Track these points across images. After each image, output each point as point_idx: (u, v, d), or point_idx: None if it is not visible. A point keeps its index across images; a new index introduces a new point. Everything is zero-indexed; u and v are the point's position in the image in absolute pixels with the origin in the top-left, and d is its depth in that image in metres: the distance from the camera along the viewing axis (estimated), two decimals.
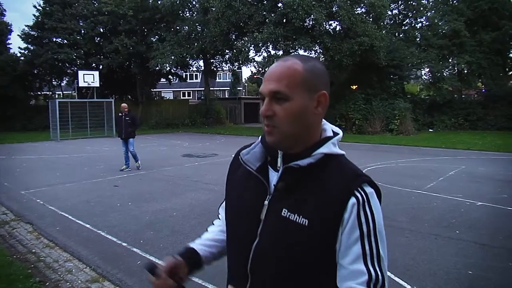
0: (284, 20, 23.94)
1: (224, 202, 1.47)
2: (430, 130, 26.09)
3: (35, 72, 30.15)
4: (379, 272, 1.07)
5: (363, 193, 1.10)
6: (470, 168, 11.29)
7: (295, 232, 1.11)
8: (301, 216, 1.11)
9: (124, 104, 11.40)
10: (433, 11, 28.64)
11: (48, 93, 34.65)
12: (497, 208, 6.99)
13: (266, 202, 1.19)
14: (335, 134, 1.23)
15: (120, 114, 11.31)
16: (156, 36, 30.71)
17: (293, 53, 24.64)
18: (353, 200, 1.09)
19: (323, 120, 1.24)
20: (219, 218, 1.54)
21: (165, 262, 1.29)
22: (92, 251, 4.98)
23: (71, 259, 4.76)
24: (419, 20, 29.63)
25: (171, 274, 1.27)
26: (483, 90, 29.73)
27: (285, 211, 1.14)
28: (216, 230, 1.49)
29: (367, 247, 1.08)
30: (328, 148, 1.17)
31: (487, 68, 26.96)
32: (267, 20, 24.17)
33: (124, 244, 5.25)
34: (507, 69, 30.81)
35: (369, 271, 1.06)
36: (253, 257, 1.18)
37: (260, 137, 1.31)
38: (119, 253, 4.97)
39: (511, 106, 25.47)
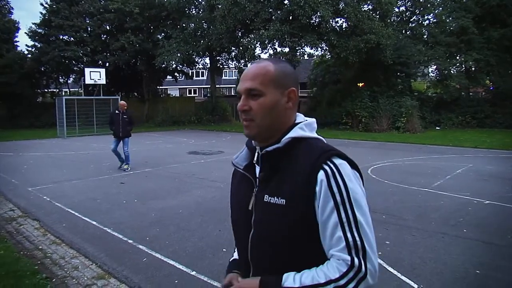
0: (291, 17, 23.84)
1: None
2: (437, 128, 25.89)
3: (42, 69, 30.26)
4: (357, 237, 1.14)
5: (331, 165, 1.20)
6: (478, 167, 11.19)
7: (276, 213, 1.23)
8: (279, 197, 1.23)
9: (122, 102, 11.25)
10: (440, 8, 28.36)
11: (55, 90, 34.79)
12: (505, 207, 6.92)
13: (253, 194, 1.33)
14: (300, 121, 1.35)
15: (117, 112, 10.97)
16: (162, 34, 30.68)
17: (300, 51, 24.68)
18: (321, 173, 1.19)
19: (298, 113, 1.37)
20: None
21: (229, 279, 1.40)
22: (98, 248, 5.00)
23: (77, 255, 4.78)
24: (426, 17, 29.35)
25: None
26: (491, 88, 29.42)
27: (266, 196, 1.27)
28: None
29: (343, 215, 1.16)
30: (295, 132, 1.29)
31: (495, 65, 26.64)
32: (273, 17, 24.09)
33: (130, 241, 5.26)
34: None
35: (347, 237, 1.14)
36: (251, 247, 1.32)
37: (245, 143, 1.45)
38: (125, 250, 4.98)
39: None
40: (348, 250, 1.14)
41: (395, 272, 4.18)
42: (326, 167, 1.19)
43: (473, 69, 28.11)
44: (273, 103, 1.28)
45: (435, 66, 28.03)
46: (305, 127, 1.32)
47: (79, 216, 6.45)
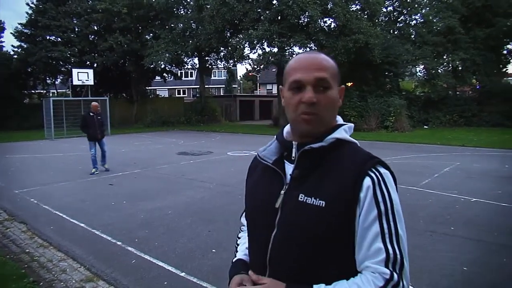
0: (279, 17, 23.91)
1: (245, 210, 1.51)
2: (425, 126, 26.16)
3: (29, 70, 29.95)
4: (397, 251, 1.09)
5: (377, 173, 1.15)
6: (465, 165, 11.32)
7: (314, 214, 1.14)
8: (318, 199, 1.14)
9: (95, 103, 11.04)
10: (427, 8, 28.67)
11: (42, 91, 34.45)
12: (492, 204, 7.01)
13: (282, 192, 1.23)
14: (344, 124, 1.30)
15: (91, 114, 10.75)
16: (151, 34, 30.55)
17: (288, 51, 24.73)
18: (367, 179, 1.13)
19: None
20: (240, 230, 1.58)
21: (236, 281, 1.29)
22: (86, 250, 4.95)
23: (65, 258, 4.73)
24: (413, 17, 29.62)
25: None
26: (478, 87, 29.82)
27: (302, 196, 1.17)
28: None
29: (385, 226, 1.11)
30: (340, 133, 1.23)
31: (481, 64, 27.02)
32: (262, 17, 24.12)
33: (118, 243, 5.22)
34: (501, 65, 30.90)
35: (387, 249, 1.09)
36: (272, 248, 1.21)
37: (275, 136, 1.36)
38: (113, 252, 4.95)
39: (505, 102, 25.54)
40: (387, 263, 1.08)
41: None
42: (372, 175, 1.14)
43: (460, 68, 28.45)
44: (336, 98, 1.24)
45: (423, 66, 28.36)
46: (348, 130, 1.27)
47: (67, 218, 6.39)
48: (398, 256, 1.09)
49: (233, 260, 1.43)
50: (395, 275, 1.07)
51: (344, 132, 1.25)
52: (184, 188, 8.65)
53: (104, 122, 11.27)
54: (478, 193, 7.74)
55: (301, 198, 1.17)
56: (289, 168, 1.26)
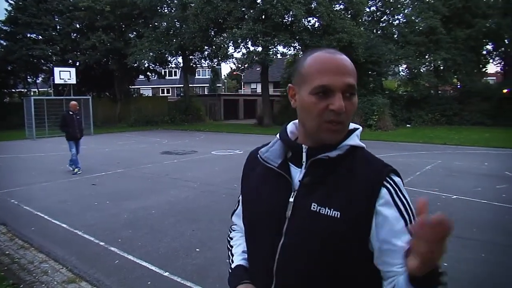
0: (263, 16, 23.94)
1: (238, 209, 1.43)
2: (408, 125, 26.51)
3: (9, 69, 29.34)
4: None
5: (392, 183, 1.10)
6: (447, 163, 11.52)
7: (328, 225, 1.08)
8: (332, 209, 1.09)
9: (74, 102, 10.95)
10: (410, 8, 29.08)
11: (23, 90, 33.81)
12: (472, 201, 7.15)
13: (291, 199, 1.15)
14: (355, 128, 1.23)
15: (70, 113, 10.67)
16: (134, 32, 30.28)
17: (272, 50, 24.78)
18: (384, 190, 1.08)
19: None
20: (232, 229, 1.49)
21: None
22: (68, 251, 4.89)
23: (47, 260, 4.67)
24: (396, 17, 30.05)
25: None
26: (459, 86, 30.37)
27: (314, 205, 1.11)
28: (244, 241, 1.39)
29: (407, 218, 1.07)
30: (354, 140, 1.17)
31: (462, 64, 27.56)
32: (246, 16, 24.14)
33: (101, 243, 5.17)
34: (481, 65, 31.56)
35: None
36: (279, 257, 1.14)
37: (278, 134, 1.28)
38: (96, 252, 4.90)
39: (485, 101, 26.09)
40: None
41: None
42: (388, 185, 1.09)
43: (441, 68, 28.93)
44: (357, 104, 1.16)
45: (406, 65, 28.74)
46: (359, 135, 1.21)
47: (48, 219, 6.29)
48: None
49: (232, 266, 1.34)
50: None
51: (357, 138, 1.19)
52: (168, 187, 8.60)
53: (82, 121, 11.06)
54: (459, 190, 7.90)
55: (314, 208, 1.11)
56: (295, 172, 1.19)
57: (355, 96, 1.14)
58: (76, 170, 10.39)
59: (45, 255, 4.79)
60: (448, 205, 6.92)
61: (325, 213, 1.09)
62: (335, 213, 1.08)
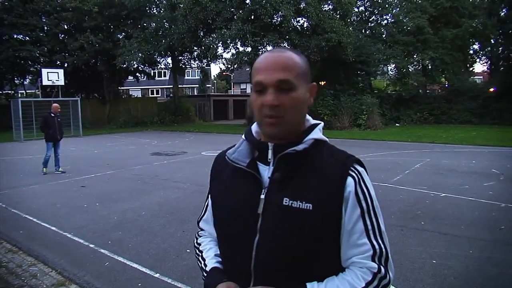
0: (252, 17, 23.96)
1: (205, 215, 1.45)
2: (396, 124, 26.73)
3: None
4: (382, 245, 1.14)
5: (356, 172, 1.17)
6: (435, 161, 11.64)
7: (301, 218, 1.12)
8: (304, 202, 1.12)
9: (55, 104, 11.06)
10: (398, 8, 29.30)
11: (10, 92, 33.38)
12: (460, 198, 7.24)
13: (262, 196, 1.17)
14: (317, 123, 1.28)
15: (52, 114, 10.79)
16: (123, 33, 30.11)
17: (262, 50, 24.80)
18: (350, 179, 1.14)
19: None
20: (199, 235, 1.48)
21: None
22: (58, 254, 4.85)
23: (35, 263, 4.62)
24: (384, 17, 30.25)
25: None
26: (446, 85, 30.69)
27: (286, 200, 1.14)
28: (215, 245, 1.39)
29: (368, 223, 1.14)
30: (317, 134, 1.22)
31: (449, 64, 27.86)
32: (235, 16, 24.13)
33: (91, 245, 5.14)
34: (468, 65, 31.97)
35: (373, 245, 1.13)
36: (256, 255, 1.16)
37: (243, 135, 1.30)
38: (86, 255, 4.86)
39: (472, 100, 26.42)
40: (373, 257, 1.12)
41: None
42: (353, 174, 1.15)
43: (429, 67, 29.21)
44: (303, 98, 1.18)
45: (394, 65, 28.97)
46: (321, 129, 1.26)
47: (37, 222, 6.23)
48: (384, 250, 1.13)
49: (207, 269, 1.30)
50: (382, 268, 1.11)
51: (319, 131, 1.24)
52: (158, 188, 8.57)
53: (62, 123, 11.29)
54: (447, 188, 7.99)
55: (285, 202, 1.14)
56: (264, 170, 1.21)
57: (294, 91, 1.15)
58: (45, 170, 10.58)
59: (34, 259, 4.75)
60: (437, 202, 6.99)
61: (298, 206, 1.13)
62: (307, 206, 1.12)
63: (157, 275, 4.21)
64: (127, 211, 6.76)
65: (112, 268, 4.42)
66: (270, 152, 1.20)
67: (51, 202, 7.54)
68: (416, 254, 4.61)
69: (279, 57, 1.17)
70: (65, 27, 29.80)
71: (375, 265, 1.11)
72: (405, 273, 4.13)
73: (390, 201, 7.11)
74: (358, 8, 29.73)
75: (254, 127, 1.30)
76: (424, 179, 9.02)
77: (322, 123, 1.29)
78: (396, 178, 9.14)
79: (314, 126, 1.24)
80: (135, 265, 4.47)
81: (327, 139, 1.25)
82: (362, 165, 1.21)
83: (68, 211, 6.85)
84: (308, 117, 1.27)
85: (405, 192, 7.80)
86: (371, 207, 1.15)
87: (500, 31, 28.83)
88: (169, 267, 4.40)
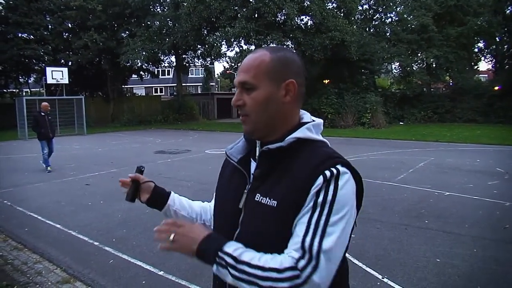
0: (256, 15, 23.93)
1: (211, 202, 1.53)
2: (400, 123, 26.66)
3: (0, 69, 29.12)
4: (315, 243, 1.04)
5: (333, 172, 1.10)
6: (439, 160, 11.61)
7: (266, 214, 1.15)
8: (271, 199, 1.14)
9: (45, 103, 11.20)
10: (402, 7, 29.20)
11: (14, 90, 33.54)
12: (464, 197, 7.22)
13: (245, 191, 1.23)
14: (307, 122, 1.26)
15: (42, 114, 10.93)
16: (127, 32, 30.14)
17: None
18: (320, 178, 1.10)
19: (302, 110, 1.29)
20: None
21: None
22: (62, 252, 4.88)
23: (40, 260, 4.65)
24: (388, 15, 30.16)
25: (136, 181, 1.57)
26: (451, 84, 30.56)
27: (258, 196, 1.18)
28: (198, 204, 1.58)
29: (314, 219, 1.07)
30: (302, 132, 1.20)
31: (454, 62, 27.72)
32: (238, 14, 24.12)
33: (96, 243, 5.17)
34: (472, 63, 31.81)
35: (304, 239, 1.05)
36: None
37: (243, 133, 1.36)
38: (90, 252, 4.89)
39: (477, 99, 26.30)
40: (302, 251, 1.04)
41: (360, 264, 4.30)
42: (327, 173, 1.10)
43: (433, 65, 29.08)
44: (267, 97, 1.18)
45: (398, 63, 28.89)
46: (313, 128, 1.23)
47: (42, 220, 6.27)
48: (315, 249, 1.04)
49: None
50: (302, 263, 1.03)
51: (307, 130, 1.21)
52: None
53: (53, 121, 11.53)
54: (451, 187, 7.97)
55: (257, 198, 1.18)
56: (254, 166, 1.27)
57: (254, 91, 1.19)
58: (49, 168, 10.69)
59: (39, 256, 4.78)
60: (441, 201, 6.98)
61: (266, 203, 1.15)
62: (272, 203, 1.14)
63: (161, 273, 4.23)
64: (131, 209, 6.77)
65: (117, 266, 4.45)
66: (258, 149, 1.27)
67: (55, 200, 7.58)
68: (420, 253, 4.60)
69: (248, 59, 1.24)
70: (69, 25, 29.87)
71: (297, 256, 1.04)
72: (409, 271, 4.13)
73: (394, 199, 7.11)
74: (362, 6, 29.67)
75: None
76: (428, 177, 9.00)
77: (317, 121, 1.27)
78: (400, 176, 9.12)
79: (302, 124, 1.23)
80: (139, 263, 4.49)
81: (320, 139, 1.23)
82: (348, 168, 1.14)
83: (72, 209, 6.88)
84: (305, 116, 1.29)
85: (409, 190, 7.79)
86: (326, 206, 1.08)
87: (506, 29, 28.71)
88: (173, 264, 4.42)
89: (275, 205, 1.13)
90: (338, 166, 1.12)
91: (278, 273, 1.02)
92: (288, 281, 1.01)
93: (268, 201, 1.15)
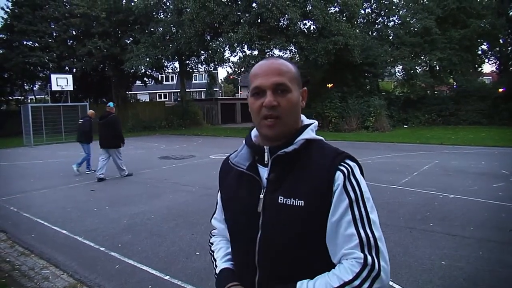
0: (259, 20, 24.02)
1: (216, 213, 1.56)
2: (404, 126, 26.61)
3: (6, 76, 29.37)
4: (370, 234, 1.15)
5: (347, 166, 1.22)
6: (443, 162, 11.58)
7: (294, 214, 1.20)
8: (297, 199, 1.20)
9: (92, 111, 11.90)
10: (404, 10, 29.23)
11: (20, 97, 33.80)
12: (469, 200, 7.20)
13: (261, 196, 1.27)
14: (310, 123, 1.36)
15: (92, 120, 11.98)
16: (131, 38, 30.32)
17: (269, 54, 24.88)
18: (338, 173, 1.20)
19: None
20: (212, 235, 1.60)
21: None
22: (69, 257, 4.92)
23: (47, 266, 4.69)
24: (391, 18, 30.15)
25: None
26: (455, 86, 30.49)
27: (281, 198, 1.23)
28: (225, 244, 1.51)
29: (356, 213, 1.17)
30: (309, 134, 1.29)
31: (457, 64, 27.68)
32: (241, 20, 24.19)
33: (102, 248, 5.20)
34: (476, 65, 31.74)
35: (360, 234, 1.15)
36: (259, 250, 1.26)
37: (244, 140, 1.41)
38: (97, 257, 4.92)
39: (481, 101, 26.23)
40: (361, 247, 1.13)
41: None
42: (343, 168, 1.21)
43: (437, 68, 29.06)
44: (297, 100, 1.28)
45: (401, 66, 28.85)
46: (314, 128, 1.33)
47: (48, 226, 6.31)
48: (372, 239, 1.13)
49: (217, 271, 1.43)
50: (369, 258, 1.11)
51: (311, 131, 1.31)
52: (167, 192, 8.62)
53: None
54: (456, 189, 7.95)
55: (280, 200, 1.22)
56: (263, 171, 1.31)
57: (289, 93, 1.25)
58: (92, 170, 11.38)
59: (46, 261, 4.81)
60: (446, 204, 6.96)
61: (291, 203, 1.21)
62: (299, 202, 1.20)
63: (167, 277, 4.25)
64: (137, 214, 6.82)
65: (123, 271, 4.47)
66: (266, 154, 1.30)
67: (61, 206, 7.63)
68: (425, 256, 4.60)
69: (273, 63, 1.28)
70: (74, 33, 30.10)
71: (362, 255, 1.12)
72: (414, 274, 4.13)
73: (399, 202, 7.10)
74: (364, 10, 29.72)
75: (254, 132, 1.40)
76: (433, 180, 8.98)
77: (316, 122, 1.37)
78: (404, 180, 9.11)
79: (306, 126, 1.32)
80: (145, 268, 4.51)
81: (320, 138, 1.33)
82: (354, 160, 1.26)
83: (78, 215, 6.92)
84: (303, 117, 1.37)
85: (414, 193, 7.78)
86: (360, 198, 1.18)
87: (509, 30, 28.68)
88: (179, 269, 4.44)
89: (302, 205, 1.19)
90: (348, 161, 1.24)
91: (357, 280, 1.10)
92: (368, 280, 1.10)
93: (293, 201, 1.20)
